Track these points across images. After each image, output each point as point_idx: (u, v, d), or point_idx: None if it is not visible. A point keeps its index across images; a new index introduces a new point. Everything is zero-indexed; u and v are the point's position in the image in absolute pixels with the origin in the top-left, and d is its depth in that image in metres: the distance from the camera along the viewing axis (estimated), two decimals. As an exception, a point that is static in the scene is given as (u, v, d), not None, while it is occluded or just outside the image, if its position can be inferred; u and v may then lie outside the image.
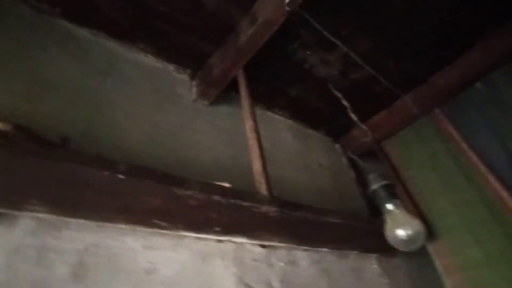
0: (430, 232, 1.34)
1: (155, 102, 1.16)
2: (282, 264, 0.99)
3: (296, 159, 1.49)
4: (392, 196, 0.83)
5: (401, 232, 0.79)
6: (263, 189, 0.86)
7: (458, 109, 1.48)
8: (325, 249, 1.12)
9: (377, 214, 1.38)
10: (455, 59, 1.49)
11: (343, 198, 1.45)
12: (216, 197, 0.74)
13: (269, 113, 1.61)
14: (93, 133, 0.91)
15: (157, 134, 1.07)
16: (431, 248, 1.33)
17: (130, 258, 0.76)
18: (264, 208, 0.80)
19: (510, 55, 1.38)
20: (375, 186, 0.85)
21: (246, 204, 0.77)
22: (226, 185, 0.79)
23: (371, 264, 1.27)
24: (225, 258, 0.89)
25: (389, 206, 0.83)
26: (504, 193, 1.21)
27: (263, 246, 0.98)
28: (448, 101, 1.52)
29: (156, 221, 0.79)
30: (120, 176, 0.64)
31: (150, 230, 0.81)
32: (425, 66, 1.54)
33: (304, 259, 1.06)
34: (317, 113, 1.69)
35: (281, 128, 1.60)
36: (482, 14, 1.35)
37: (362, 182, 1.61)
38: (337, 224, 0.97)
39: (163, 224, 0.81)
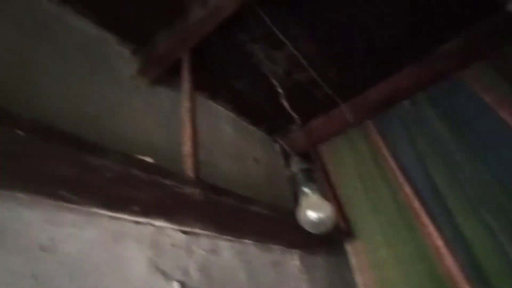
0: (350, 233, 1.43)
1: (89, 72, 1.06)
2: (202, 252, 0.96)
3: (232, 151, 1.48)
4: (310, 180, 0.87)
5: (312, 214, 0.82)
6: (189, 170, 0.83)
7: (386, 122, 1.62)
8: (249, 241, 1.13)
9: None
10: (389, 76, 1.63)
11: (274, 195, 1.47)
12: (136, 171, 0.69)
13: (212, 103, 1.58)
14: (7, 93, 0.79)
15: (85, 105, 0.97)
16: (349, 248, 1.41)
17: (25, 232, 0.67)
18: (188, 189, 0.76)
19: (435, 79, 1.55)
20: (295, 168, 0.88)
21: (168, 182, 0.73)
22: (148, 159, 0.74)
23: (293, 260, 1.30)
24: (141, 241, 0.83)
25: (306, 189, 0.86)
26: (415, 202, 1.35)
27: (184, 232, 0.94)
28: (379, 114, 1.65)
29: (63, 192, 0.71)
30: (20, 132, 0.55)
31: (55, 203, 0.73)
32: (363, 78, 1.66)
33: (227, 249, 1.05)
34: (259, 110, 1.70)
35: (222, 119, 1.58)
36: (415, 38, 1.50)
37: (295, 182, 1.66)
38: (263, 215, 0.97)
39: (72, 197, 0.73)
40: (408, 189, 1.38)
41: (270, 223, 1.06)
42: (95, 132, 0.93)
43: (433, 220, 1.27)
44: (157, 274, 0.81)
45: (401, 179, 1.43)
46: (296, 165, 0.88)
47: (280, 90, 1.18)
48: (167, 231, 0.90)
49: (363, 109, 1.68)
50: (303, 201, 0.87)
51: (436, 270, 1.19)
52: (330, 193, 1.55)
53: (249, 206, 0.93)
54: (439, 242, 1.22)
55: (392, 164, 1.48)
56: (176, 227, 0.91)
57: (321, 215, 0.81)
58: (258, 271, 1.12)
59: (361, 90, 1.70)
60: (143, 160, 0.72)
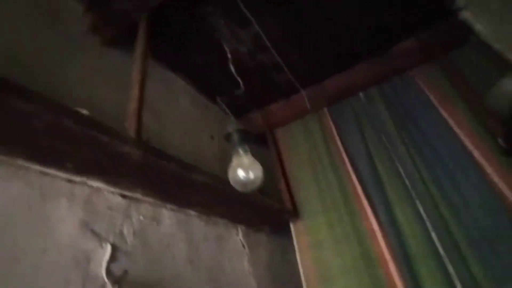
0: (296, 214, 1.48)
1: (32, 22, 0.97)
2: (142, 218, 0.94)
3: (188, 125, 1.45)
4: (245, 141, 0.88)
5: (241, 173, 0.84)
6: (131, 131, 0.80)
7: (340, 112, 1.68)
8: (193, 212, 1.12)
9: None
10: (348, 68, 1.69)
11: (225, 173, 1.47)
12: (68, 123, 0.64)
13: (171, 74, 1.54)
14: None
15: (24, 56, 0.89)
16: (292, 228, 1.46)
17: None
18: (127, 149, 0.73)
19: (389, 75, 1.64)
20: (231, 129, 0.89)
21: (105, 139, 0.69)
22: (84, 112, 0.70)
23: (237, 235, 1.32)
24: (73, 201, 0.79)
25: (240, 150, 0.87)
26: (358, 188, 1.42)
27: (123, 196, 0.91)
28: (335, 104, 1.71)
29: (-16, 140, 0.65)
30: None
31: (-26, 151, 0.66)
32: (324, 68, 1.70)
33: (168, 218, 1.03)
34: (219, 87, 1.68)
35: (180, 92, 1.54)
36: (375, 36, 1.57)
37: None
38: (207, 185, 0.97)
39: (-5, 146, 0.67)
40: (353, 176, 1.46)
41: (215, 195, 1.06)
42: (31, 84, 0.86)
43: (372, 205, 1.35)
44: (88, 235, 0.78)
45: (348, 166, 1.49)
46: (232, 126, 0.88)
47: (229, 56, 1.17)
48: (104, 193, 0.87)
49: (321, 98, 1.73)
50: (235, 160, 0.88)
51: (369, 250, 1.27)
52: (280, 174, 1.59)
53: (193, 174, 0.92)
54: (375, 226, 1.30)
55: (342, 152, 1.55)
56: (114, 190, 0.88)
57: (251, 175, 0.83)
58: (200, 243, 1.12)
59: (321, 79, 1.75)
60: (77, 112, 0.67)
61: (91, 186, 0.84)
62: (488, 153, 1.23)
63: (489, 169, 1.21)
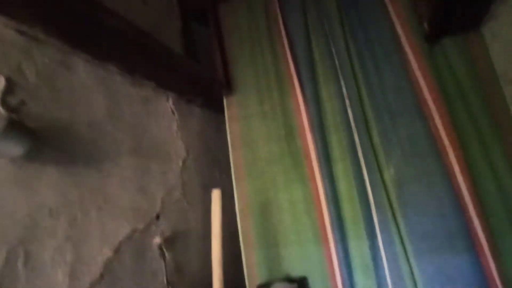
0: (229, 88, 1.49)
1: None
2: (47, 60, 0.88)
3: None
4: None
5: None
6: None
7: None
8: (114, 68, 1.05)
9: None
10: None
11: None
12: None
13: None
14: None
15: None
16: (225, 101, 1.50)
17: None
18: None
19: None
20: None
21: None
22: None
23: (166, 101, 1.32)
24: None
25: None
26: (292, 66, 1.44)
27: (21, 32, 0.82)
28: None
29: None
30: None
31: None
32: None
33: (83, 68, 0.98)
34: None
35: None
36: None
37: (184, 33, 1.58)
38: (123, 32, 0.90)
39: None
40: (289, 55, 1.45)
41: (135, 48, 1.00)
42: None
43: (301, 83, 1.39)
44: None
45: (285, 45, 1.47)
46: None
47: None
48: (-4, 25, 0.77)
49: (270, -28, 1.57)
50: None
51: (291, 122, 1.38)
52: (216, 48, 1.53)
53: (104, 15, 0.84)
54: (300, 101, 1.38)
55: (282, 31, 1.50)
56: (7, 22, 0.78)
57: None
58: (123, 102, 1.10)
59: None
60: None
61: (-26, 11, 0.73)
62: (413, 39, 1.27)
63: (410, 54, 1.26)
